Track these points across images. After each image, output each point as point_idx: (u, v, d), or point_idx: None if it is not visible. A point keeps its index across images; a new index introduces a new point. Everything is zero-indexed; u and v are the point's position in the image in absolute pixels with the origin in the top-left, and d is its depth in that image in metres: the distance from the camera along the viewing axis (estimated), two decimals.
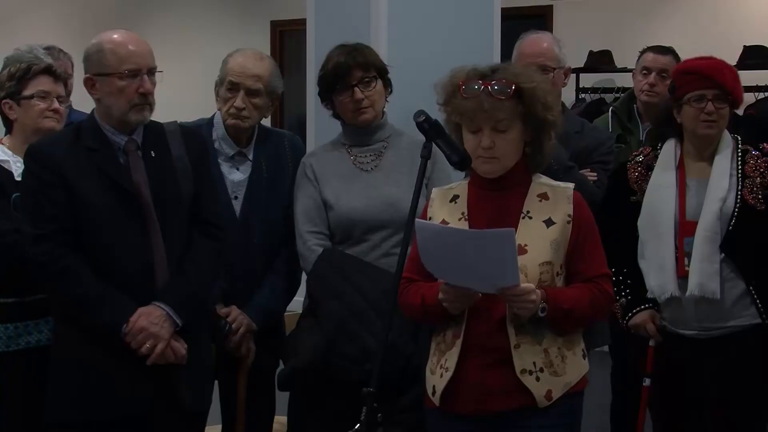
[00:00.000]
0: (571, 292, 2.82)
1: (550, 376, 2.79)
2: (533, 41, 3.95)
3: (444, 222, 2.88)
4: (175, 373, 3.10)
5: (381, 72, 3.48)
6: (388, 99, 3.54)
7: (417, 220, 2.76)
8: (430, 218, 2.90)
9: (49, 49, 4.73)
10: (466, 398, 2.81)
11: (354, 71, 3.42)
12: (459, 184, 2.97)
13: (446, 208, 2.92)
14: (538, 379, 2.77)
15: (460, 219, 2.87)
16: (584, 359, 2.92)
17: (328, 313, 3.23)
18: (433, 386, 2.87)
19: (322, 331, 3.22)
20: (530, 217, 2.83)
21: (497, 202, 2.85)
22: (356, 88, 3.42)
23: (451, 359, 2.82)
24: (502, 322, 2.78)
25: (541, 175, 2.93)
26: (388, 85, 3.52)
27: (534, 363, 2.77)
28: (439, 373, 2.85)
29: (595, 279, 2.86)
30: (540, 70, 3.56)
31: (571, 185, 2.92)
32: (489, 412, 2.80)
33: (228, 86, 3.55)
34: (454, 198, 2.93)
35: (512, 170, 2.86)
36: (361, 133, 3.50)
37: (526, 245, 2.79)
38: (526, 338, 2.78)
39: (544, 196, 2.86)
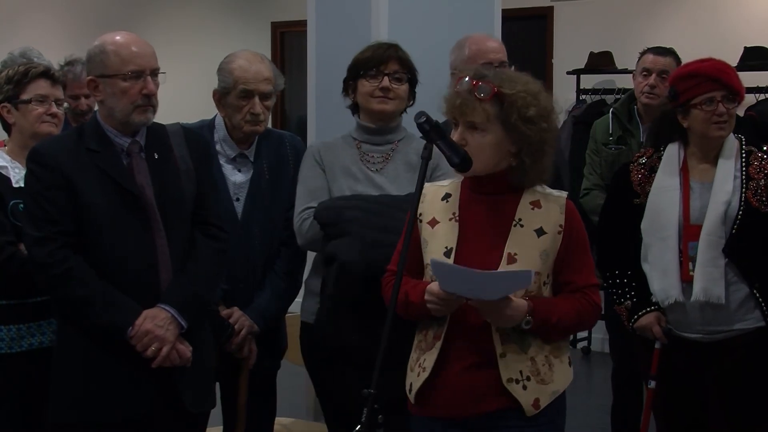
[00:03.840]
0: (558, 303, 2.79)
1: (537, 384, 2.75)
2: (484, 38, 3.90)
3: (434, 221, 2.85)
4: (177, 375, 3.10)
5: (412, 77, 3.48)
6: (407, 110, 3.50)
7: (432, 258, 2.76)
8: (420, 213, 2.87)
9: (72, 63, 4.72)
10: (443, 401, 2.78)
11: (391, 62, 3.43)
12: (452, 182, 2.93)
13: (438, 205, 2.88)
14: (525, 387, 2.74)
15: (450, 219, 2.84)
16: (570, 366, 2.89)
17: (351, 218, 3.23)
18: (410, 383, 2.86)
19: (352, 235, 3.21)
20: (521, 225, 2.79)
21: (490, 206, 2.82)
22: (387, 77, 3.42)
23: (429, 359, 2.79)
24: (486, 328, 2.75)
25: None
26: (413, 95, 3.51)
27: (521, 372, 2.74)
28: (416, 371, 2.83)
29: (583, 289, 2.83)
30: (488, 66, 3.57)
31: (565, 194, 2.87)
32: (468, 415, 2.77)
33: (241, 94, 3.54)
34: (446, 196, 2.89)
35: (502, 175, 2.81)
36: (374, 131, 3.48)
37: (515, 254, 2.75)
38: (512, 347, 2.75)
39: (536, 204, 2.81)
